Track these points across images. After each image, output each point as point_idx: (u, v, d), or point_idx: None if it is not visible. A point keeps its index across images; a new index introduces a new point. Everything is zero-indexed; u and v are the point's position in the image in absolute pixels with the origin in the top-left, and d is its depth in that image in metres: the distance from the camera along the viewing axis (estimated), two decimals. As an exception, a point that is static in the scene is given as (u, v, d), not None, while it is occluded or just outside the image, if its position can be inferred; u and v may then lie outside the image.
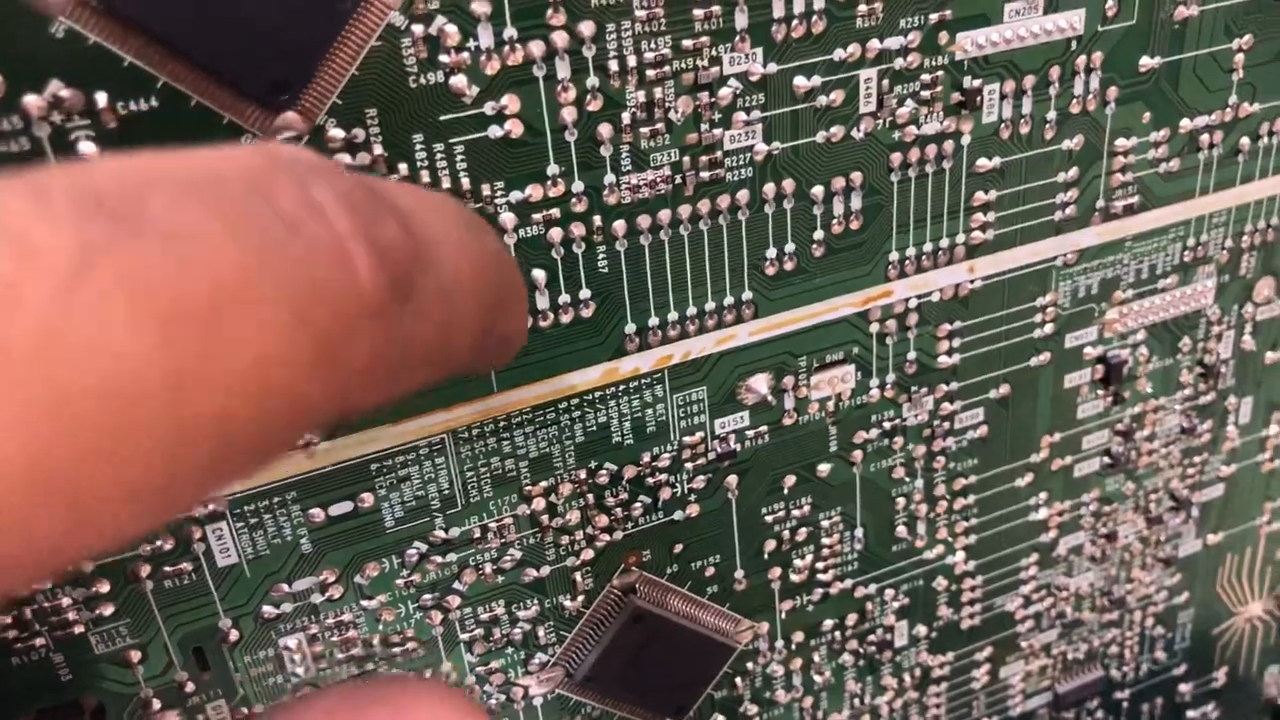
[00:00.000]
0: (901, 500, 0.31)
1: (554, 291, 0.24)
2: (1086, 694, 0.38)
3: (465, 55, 0.21)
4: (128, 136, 0.19)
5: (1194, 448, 0.34)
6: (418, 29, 0.21)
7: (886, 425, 0.30)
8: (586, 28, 0.22)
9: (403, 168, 0.22)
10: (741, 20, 0.23)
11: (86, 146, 0.19)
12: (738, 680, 0.32)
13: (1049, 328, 0.30)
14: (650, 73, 0.23)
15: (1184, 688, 0.40)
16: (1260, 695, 0.42)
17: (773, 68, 0.24)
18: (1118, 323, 0.31)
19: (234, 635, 0.25)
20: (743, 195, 0.25)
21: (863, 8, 0.24)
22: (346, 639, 0.26)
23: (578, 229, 0.24)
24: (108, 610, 0.23)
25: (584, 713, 0.30)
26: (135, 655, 0.24)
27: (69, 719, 0.24)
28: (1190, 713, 0.41)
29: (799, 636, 0.32)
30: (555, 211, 0.23)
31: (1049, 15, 0.26)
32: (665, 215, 0.24)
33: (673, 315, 0.26)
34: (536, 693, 0.29)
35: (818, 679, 0.33)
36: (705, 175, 0.24)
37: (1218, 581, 0.38)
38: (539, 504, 0.26)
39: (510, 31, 0.21)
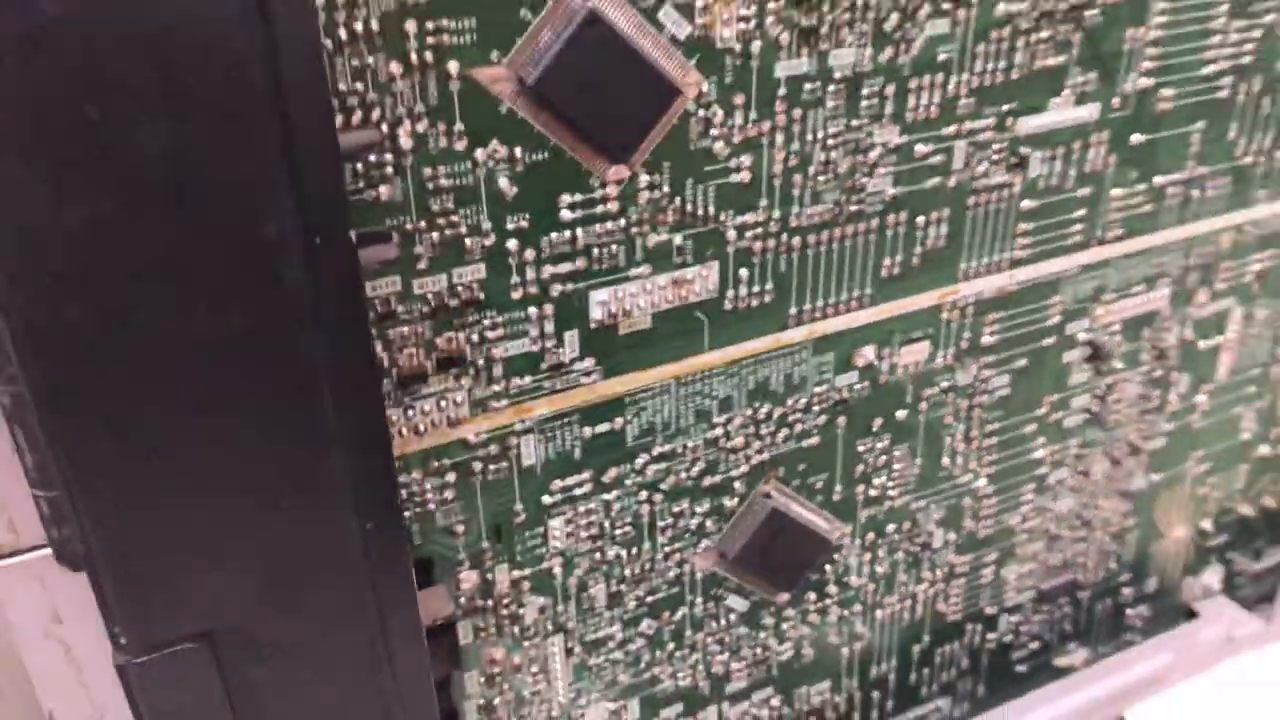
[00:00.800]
0: (948, 439, 0.41)
1: (750, 284, 0.34)
2: (1060, 593, 0.48)
3: (725, 129, 0.31)
4: (527, 176, 0.29)
5: (1147, 409, 0.45)
6: (700, 112, 0.30)
7: (944, 385, 0.40)
8: (796, 114, 0.31)
9: (677, 201, 0.31)
10: (889, 109, 0.33)
11: (504, 183, 0.29)
12: (827, 568, 0.42)
13: (1057, 319, 0.41)
14: (830, 141, 0.32)
15: (1127, 591, 0.51)
16: (1180, 599, 0.53)
17: (904, 138, 0.34)
18: (1104, 317, 0.41)
19: (521, 516, 0.34)
20: (874, 222, 0.35)
21: (964, 101, 0.34)
22: (590, 521, 0.35)
23: (771, 243, 0.33)
24: (450, 494, 0.33)
25: (726, 585, 0.40)
26: (460, 529, 0.33)
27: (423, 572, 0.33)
28: (1129, 610, 0.51)
29: (870, 537, 0.42)
30: (760, 230, 0.33)
31: (1076, 108, 0.36)
32: (825, 235, 0.34)
33: (820, 302, 0.35)
34: (700, 568, 0.38)
35: (879, 570, 0.43)
36: (854, 208, 0.34)
37: (1156, 510, 0.49)
38: (719, 431, 0.36)
39: (753, 114, 0.31)
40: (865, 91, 0.32)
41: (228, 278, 0.24)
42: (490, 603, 0.35)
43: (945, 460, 0.42)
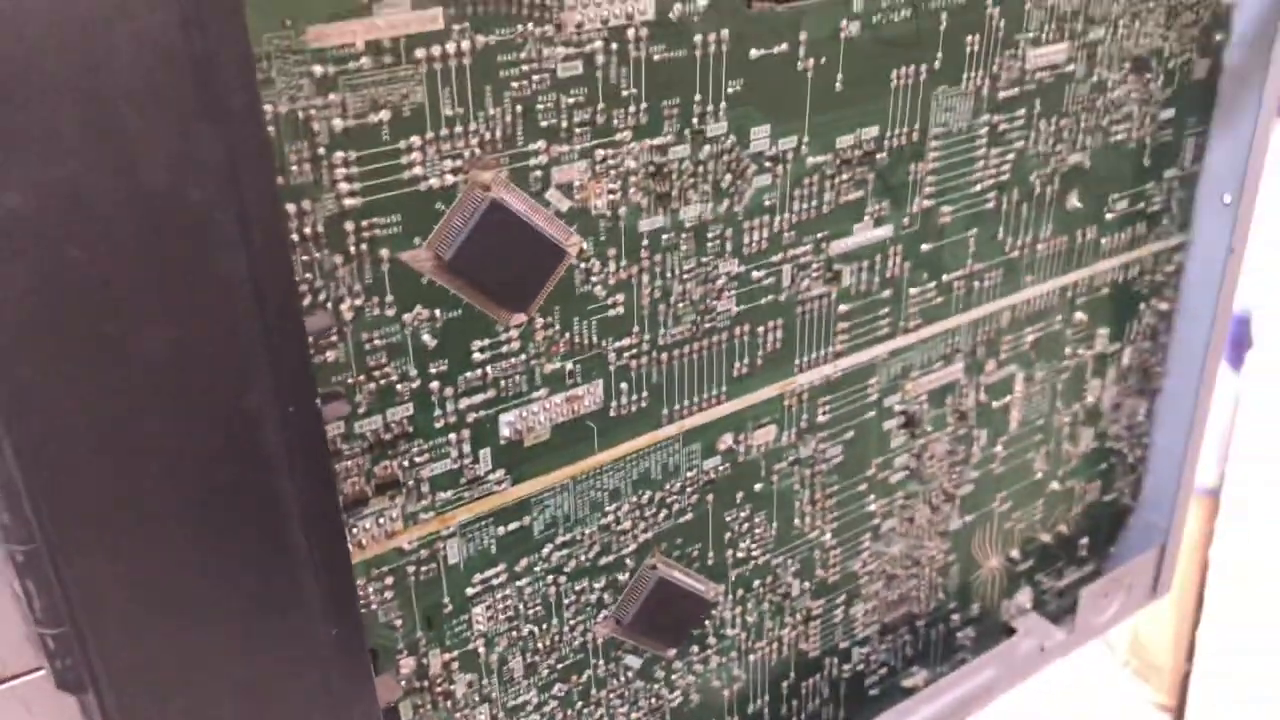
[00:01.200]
0: (797, 503, 0.49)
1: (629, 394, 0.41)
2: (900, 624, 0.57)
3: (602, 275, 0.38)
4: (445, 330, 0.35)
5: (956, 462, 0.54)
6: (582, 265, 0.37)
7: (790, 459, 0.48)
8: (658, 258, 0.39)
9: (567, 335, 0.38)
10: (729, 246, 0.41)
11: (426, 337, 0.35)
12: (707, 623, 0.49)
13: (875, 396, 0.49)
14: (685, 276, 0.40)
15: (955, 617, 0.60)
16: (999, 620, 0.62)
17: (742, 268, 0.42)
18: (913, 390, 0.50)
19: (449, 607, 0.40)
20: (724, 335, 0.42)
21: (787, 234, 0.42)
22: (506, 606, 0.42)
23: (644, 359, 0.41)
24: (389, 595, 0.38)
25: (623, 647, 0.46)
26: (399, 623, 0.39)
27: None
28: (959, 633, 0.60)
29: (740, 592, 0.49)
30: (634, 351, 0.40)
31: (874, 230, 0.45)
32: (688, 348, 0.42)
33: (686, 402, 0.43)
34: (600, 635, 0.45)
35: (749, 619, 0.50)
36: (707, 326, 0.42)
37: (972, 546, 0.58)
38: (610, 517, 0.43)
39: (623, 262, 0.38)
40: (710, 235, 0.40)
41: (219, 444, 0.30)
42: (426, 683, 0.41)
43: (796, 521, 0.49)
